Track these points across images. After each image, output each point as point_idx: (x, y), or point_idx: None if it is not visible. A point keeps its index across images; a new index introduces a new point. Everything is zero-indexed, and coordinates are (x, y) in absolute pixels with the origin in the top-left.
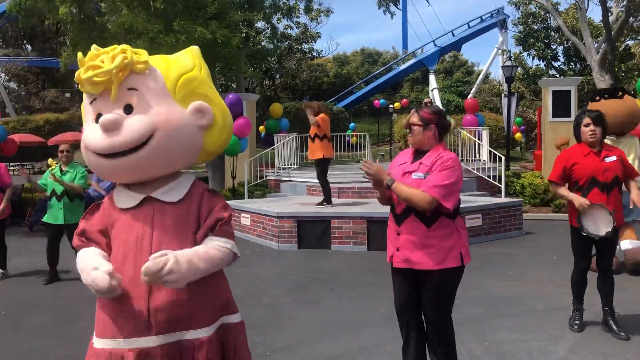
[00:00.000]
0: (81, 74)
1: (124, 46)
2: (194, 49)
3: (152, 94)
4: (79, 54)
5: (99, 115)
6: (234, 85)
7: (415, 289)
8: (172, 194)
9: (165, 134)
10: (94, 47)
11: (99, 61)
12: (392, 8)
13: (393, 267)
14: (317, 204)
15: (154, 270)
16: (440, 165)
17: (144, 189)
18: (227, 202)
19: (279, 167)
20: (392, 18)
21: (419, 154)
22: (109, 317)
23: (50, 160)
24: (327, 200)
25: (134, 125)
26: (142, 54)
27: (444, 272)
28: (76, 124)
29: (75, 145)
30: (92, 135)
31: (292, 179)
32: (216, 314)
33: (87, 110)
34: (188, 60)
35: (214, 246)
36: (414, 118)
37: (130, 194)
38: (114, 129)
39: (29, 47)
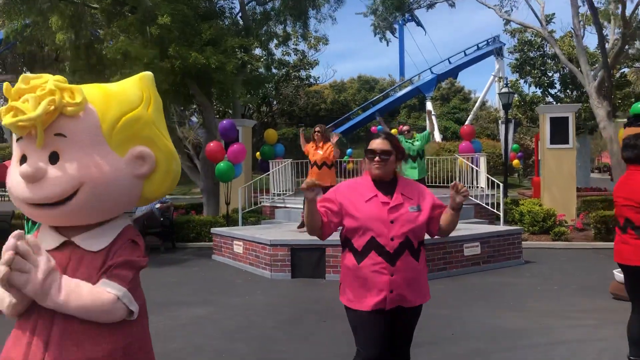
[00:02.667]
0: (2, 116)
1: (55, 82)
2: (145, 77)
3: (82, 141)
4: (6, 85)
5: (23, 157)
6: (230, 111)
7: (390, 332)
8: (94, 241)
9: (92, 189)
10: (22, 77)
11: (22, 101)
12: (389, 35)
13: (367, 313)
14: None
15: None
16: (426, 193)
17: (71, 231)
18: (220, 229)
19: (274, 193)
20: (387, 45)
21: (382, 184)
22: None
23: None
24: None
25: (56, 179)
26: (77, 93)
27: (421, 307)
28: None
29: None
30: (15, 180)
31: (287, 205)
32: None
33: (14, 148)
34: (134, 94)
35: (96, 289)
36: (386, 145)
37: (53, 234)
38: (33, 181)
39: (28, 73)
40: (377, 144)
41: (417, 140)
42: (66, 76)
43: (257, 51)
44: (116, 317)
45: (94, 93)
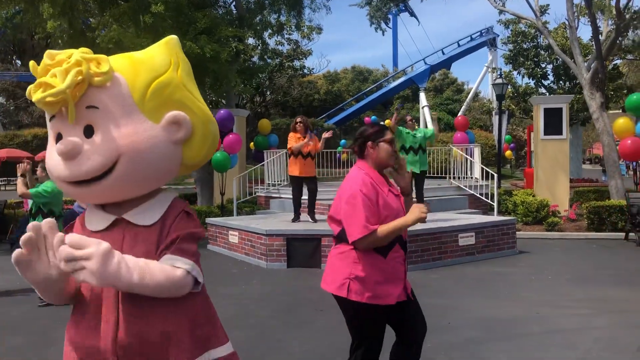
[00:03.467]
0: (32, 93)
1: (81, 54)
2: (171, 41)
3: (115, 111)
4: (32, 63)
5: (59, 136)
6: (224, 101)
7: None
8: (145, 216)
9: (131, 159)
10: (47, 54)
11: (50, 76)
12: (383, 25)
13: (390, 307)
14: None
15: (68, 252)
16: None
17: (119, 209)
18: (215, 219)
19: (268, 183)
20: (383, 35)
21: (384, 177)
22: (73, 350)
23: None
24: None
25: (93, 153)
26: (103, 63)
27: None
28: None
29: None
30: (53, 160)
31: (282, 195)
32: (199, 348)
33: (48, 129)
34: (162, 59)
35: (166, 265)
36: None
37: (102, 215)
38: (71, 158)
39: (18, 62)
40: (390, 136)
41: (419, 132)
42: None
43: (251, 41)
44: (185, 291)
45: (121, 62)
